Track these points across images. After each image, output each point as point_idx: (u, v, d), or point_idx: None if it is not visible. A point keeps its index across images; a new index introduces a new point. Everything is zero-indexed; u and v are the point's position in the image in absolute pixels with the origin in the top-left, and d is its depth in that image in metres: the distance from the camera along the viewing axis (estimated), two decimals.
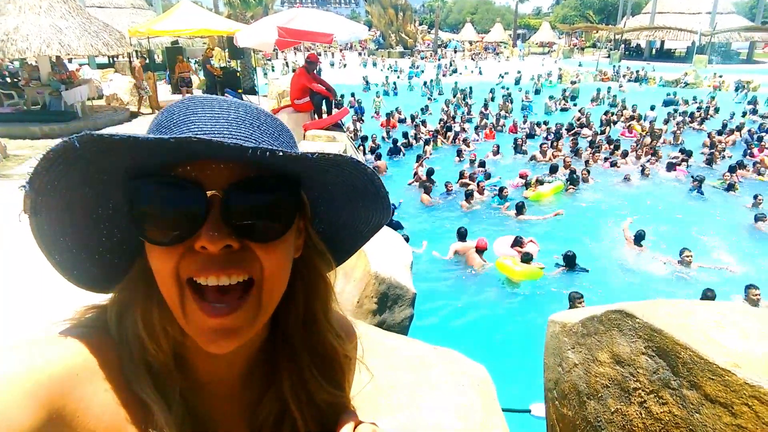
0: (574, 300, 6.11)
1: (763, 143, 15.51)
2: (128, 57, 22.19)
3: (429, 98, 25.46)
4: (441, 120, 18.45)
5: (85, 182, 0.60)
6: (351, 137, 11.10)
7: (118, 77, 17.74)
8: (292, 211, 0.66)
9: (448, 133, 16.81)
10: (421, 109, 21.29)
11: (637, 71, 33.11)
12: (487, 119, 19.28)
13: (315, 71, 10.37)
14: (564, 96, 24.84)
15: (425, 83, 28.20)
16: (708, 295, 6.28)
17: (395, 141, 15.31)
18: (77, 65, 18.98)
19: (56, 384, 0.56)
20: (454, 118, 19.34)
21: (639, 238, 8.71)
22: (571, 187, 11.63)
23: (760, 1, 48.93)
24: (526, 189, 11.51)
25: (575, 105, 23.39)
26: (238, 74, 17.94)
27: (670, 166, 13.15)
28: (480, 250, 8.12)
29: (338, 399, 0.82)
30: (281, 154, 0.55)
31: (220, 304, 0.60)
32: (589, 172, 12.39)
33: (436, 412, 1.91)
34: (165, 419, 0.63)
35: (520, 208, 10.07)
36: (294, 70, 16.13)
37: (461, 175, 12.05)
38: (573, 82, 28.63)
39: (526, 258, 7.65)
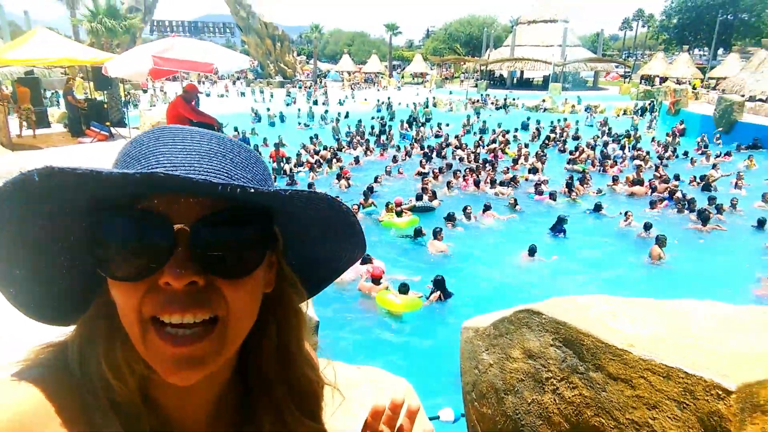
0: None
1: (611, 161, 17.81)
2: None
3: (305, 125, 25.98)
4: (328, 147, 18.98)
5: (42, 215, 0.56)
6: None
7: None
8: (262, 247, 0.63)
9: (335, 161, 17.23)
10: (311, 138, 21.63)
11: (505, 98, 36.13)
12: (374, 144, 20.12)
13: (193, 101, 10.00)
14: (415, 119, 26.74)
15: (321, 116, 28.17)
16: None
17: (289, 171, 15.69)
18: None
19: (16, 428, 0.51)
20: (342, 146, 19.91)
21: (532, 251, 9.45)
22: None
23: (599, 35, 56.54)
24: (384, 211, 11.67)
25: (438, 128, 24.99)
26: (105, 106, 16.69)
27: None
28: (375, 279, 8.24)
29: (316, 431, 0.81)
30: (252, 191, 0.54)
31: (183, 331, 0.58)
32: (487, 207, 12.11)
33: None
34: None
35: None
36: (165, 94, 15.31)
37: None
38: (426, 106, 31.32)
39: (404, 289, 7.83)
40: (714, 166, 16.66)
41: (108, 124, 15.34)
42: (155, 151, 0.58)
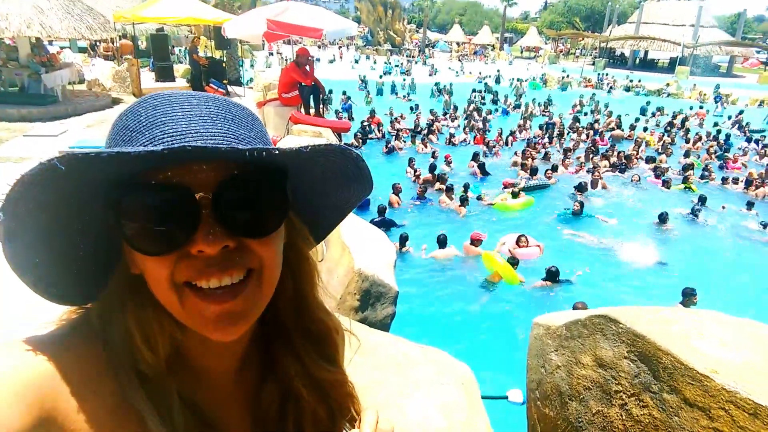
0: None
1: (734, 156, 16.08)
2: (111, 41, 21.71)
3: (403, 97, 25.80)
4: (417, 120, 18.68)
5: (62, 200, 0.55)
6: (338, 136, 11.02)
7: (100, 62, 17.38)
8: (284, 203, 0.64)
9: (430, 135, 16.94)
10: (410, 108, 21.49)
11: (630, 80, 33.59)
12: (474, 121, 19.50)
13: (307, 65, 10.32)
14: (513, 94, 25.90)
15: (435, 87, 27.73)
16: (687, 292, 6.54)
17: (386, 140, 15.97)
18: (58, 48, 18.53)
19: (45, 385, 0.53)
20: (435, 118, 19.49)
21: (663, 219, 9.87)
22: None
23: (741, 16, 50.20)
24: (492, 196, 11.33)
25: (545, 107, 23.71)
26: (224, 65, 17.72)
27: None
28: (474, 242, 8.40)
29: (336, 376, 0.82)
30: (277, 152, 0.55)
31: (221, 290, 0.59)
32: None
33: (420, 410, 1.93)
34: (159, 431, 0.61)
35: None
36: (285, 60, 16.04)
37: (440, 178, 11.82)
38: (519, 81, 29.89)
39: (512, 261, 7.77)
40: None
41: (225, 81, 16.35)
42: (156, 121, 0.57)
